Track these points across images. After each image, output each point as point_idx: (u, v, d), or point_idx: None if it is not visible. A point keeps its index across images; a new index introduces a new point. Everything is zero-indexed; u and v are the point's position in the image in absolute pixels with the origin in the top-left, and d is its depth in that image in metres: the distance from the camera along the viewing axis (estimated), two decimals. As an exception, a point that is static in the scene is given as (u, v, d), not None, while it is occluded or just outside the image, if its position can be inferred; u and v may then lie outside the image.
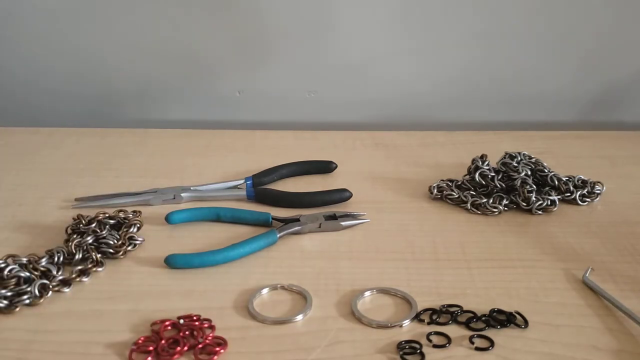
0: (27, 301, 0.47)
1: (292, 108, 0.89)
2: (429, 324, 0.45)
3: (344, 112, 0.89)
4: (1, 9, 0.82)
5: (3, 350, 0.42)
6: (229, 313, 0.46)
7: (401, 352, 0.42)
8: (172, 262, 0.51)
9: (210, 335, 0.43)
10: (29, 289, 0.48)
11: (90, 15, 0.82)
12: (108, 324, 0.45)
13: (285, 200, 0.63)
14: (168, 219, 0.58)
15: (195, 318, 0.45)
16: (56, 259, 0.52)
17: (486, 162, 0.65)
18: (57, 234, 0.56)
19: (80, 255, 0.52)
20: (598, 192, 0.64)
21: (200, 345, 0.42)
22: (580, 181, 0.65)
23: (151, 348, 0.42)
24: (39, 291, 0.48)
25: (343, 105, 0.89)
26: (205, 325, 0.44)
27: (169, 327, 0.44)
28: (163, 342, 0.42)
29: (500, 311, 0.46)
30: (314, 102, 0.88)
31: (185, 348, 0.42)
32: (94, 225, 0.55)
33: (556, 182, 0.64)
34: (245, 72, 0.86)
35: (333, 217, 0.59)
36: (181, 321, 0.44)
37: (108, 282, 0.50)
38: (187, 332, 0.43)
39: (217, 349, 0.42)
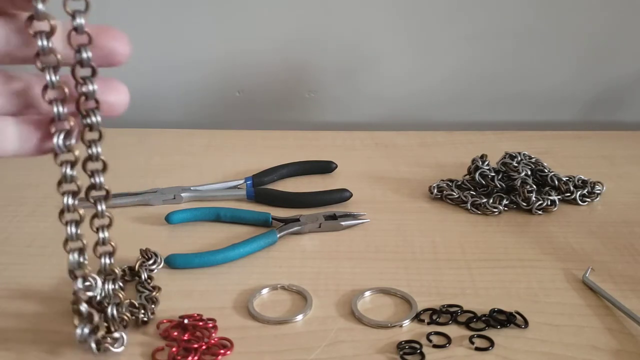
0: None
1: (292, 108, 0.89)
2: (429, 324, 0.45)
3: (344, 112, 0.90)
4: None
5: (3, 351, 0.42)
6: (229, 313, 0.46)
7: (401, 352, 0.42)
8: (172, 262, 0.51)
9: (214, 335, 0.43)
10: None
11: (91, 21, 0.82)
12: (108, 324, 0.45)
13: (285, 200, 0.63)
14: (168, 219, 0.58)
15: (197, 317, 0.45)
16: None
17: (486, 162, 0.65)
18: (57, 234, 0.56)
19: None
20: (598, 192, 0.64)
21: (204, 346, 0.42)
22: (580, 181, 0.65)
23: (174, 349, 0.41)
24: None
25: (343, 105, 0.89)
26: (210, 325, 0.44)
27: (177, 328, 0.44)
28: (174, 350, 0.42)
29: (500, 311, 0.46)
30: (314, 102, 0.88)
31: (202, 348, 0.42)
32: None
33: (556, 182, 0.64)
34: (246, 72, 0.86)
35: (333, 217, 0.59)
36: (185, 321, 0.44)
37: (108, 282, 0.50)
38: (197, 334, 0.43)
39: (223, 350, 0.42)
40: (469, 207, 0.62)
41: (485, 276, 0.51)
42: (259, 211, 0.60)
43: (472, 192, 0.63)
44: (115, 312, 0.40)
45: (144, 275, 0.49)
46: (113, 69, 0.89)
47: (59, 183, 0.37)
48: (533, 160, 0.66)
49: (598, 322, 0.46)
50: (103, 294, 0.40)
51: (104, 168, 0.38)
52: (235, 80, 0.87)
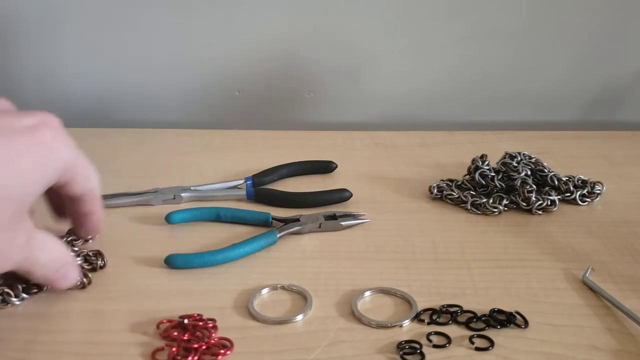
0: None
1: (292, 108, 0.89)
2: (429, 324, 0.45)
3: (344, 112, 0.89)
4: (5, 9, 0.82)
5: (3, 351, 0.42)
6: (229, 313, 0.46)
7: (401, 352, 0.42)
8: (172, 262, 0.51)
9: (214, 335, 0.43)
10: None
11: (92, 21, 0.82)
12: (108, 324, 0.45)
13: (285, 200, 0.63)
14: (168, 219, 0.58)
15: (197, 317, 0.45)
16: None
17: (486, 162, 0.65)
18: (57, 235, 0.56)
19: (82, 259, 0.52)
20: (598, 192, 0.64)
21: (204, 346, 0.42)
22: (580, 181, 0.65)
23: (175, 349, 0.41)
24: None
25: (343, 105, 0.89)
26: (210, 325, 0.44)
27: (177, 328, 0.44)
28: (174, 350, 0.42)
29: (500, 311, 0.46)
30: (314, 102, 0.88)
31: (202, 348, 0.42)
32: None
33: (556, 182, 0.64)
34: (245, 72, 0.86)
35: (333, 217, 0.59)
36: (185, 321, 0.44)
37: (108, 282, 0.50)
38: (197, 334, 0.43)
39: (223, 350, 0.42)
40: (469, 207, 0.62)
41: (485, 276, 0.51)
42: (259, 211, 0.60)
43: (472, 192, 0.63)
44: None
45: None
46: (112, 66, 0.89)
47: None
48: (533, 160, 0.66)
49: (598, 322, 0.46)
50: None
51: None
52: (235, 80, 0.87)
